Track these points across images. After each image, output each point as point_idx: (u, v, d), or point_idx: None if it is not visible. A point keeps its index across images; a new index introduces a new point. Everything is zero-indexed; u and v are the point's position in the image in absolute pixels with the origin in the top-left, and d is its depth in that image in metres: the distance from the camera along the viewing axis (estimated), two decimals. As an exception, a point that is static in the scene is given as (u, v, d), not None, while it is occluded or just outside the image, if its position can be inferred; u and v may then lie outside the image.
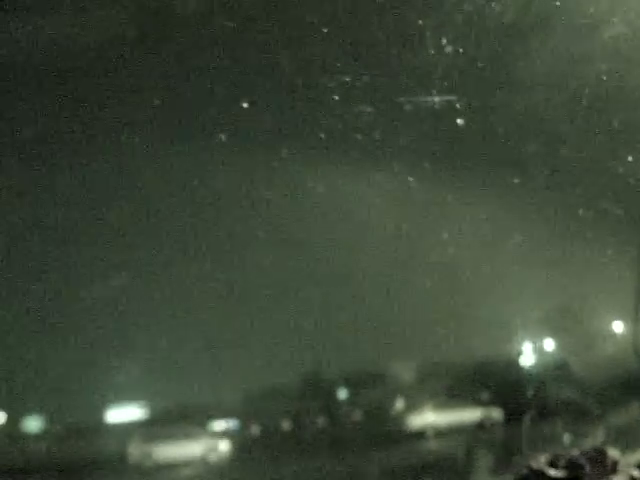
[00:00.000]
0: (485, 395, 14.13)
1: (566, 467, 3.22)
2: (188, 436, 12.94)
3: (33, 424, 13.55)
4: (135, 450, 12.06)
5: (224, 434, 14.46)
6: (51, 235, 10.30)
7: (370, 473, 10.10)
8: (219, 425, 15.78)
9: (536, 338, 12.67)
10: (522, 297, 11.01)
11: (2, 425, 13.61)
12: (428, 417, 14.31)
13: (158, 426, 13.21)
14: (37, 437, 13.23)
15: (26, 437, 13.15)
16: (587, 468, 3.22)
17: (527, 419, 5.27)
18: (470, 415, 13.76)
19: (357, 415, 14.81)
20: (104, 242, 10.52)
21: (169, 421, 13.34)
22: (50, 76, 7.52)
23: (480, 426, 12.32)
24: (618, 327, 10.90)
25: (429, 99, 7.43)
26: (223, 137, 7.46)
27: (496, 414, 12.39)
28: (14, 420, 13.20)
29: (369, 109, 7.62)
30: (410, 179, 8.71)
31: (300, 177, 9.32)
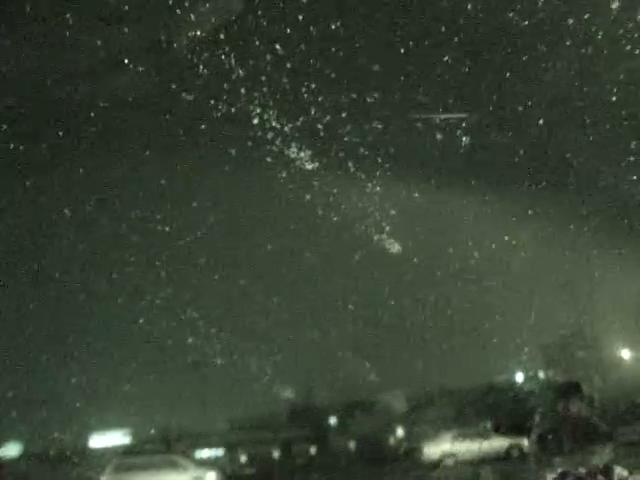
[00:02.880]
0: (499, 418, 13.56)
1: (574, 485, 3.04)
2: (174, 465, 12.30)
3: (12, 449, 12.84)
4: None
5: (211, 463, 13.85)
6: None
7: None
8: (206, 454, 15.12)
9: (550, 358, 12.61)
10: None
11: None
12: (446, 446, 13.82)
13: (141, 454, 12.63)
14: (16, 462, 12.59)
15: (5, 462, 12.53)
16: (593, 487, 3.04)
17: (534, 438, 5.17)
18: (496, 444, 13.27)
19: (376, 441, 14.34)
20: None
21: (154, 450, 12.76)
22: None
23: (507, 455, 11.88)
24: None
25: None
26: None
27: (524, 443, 11.88)
28: None
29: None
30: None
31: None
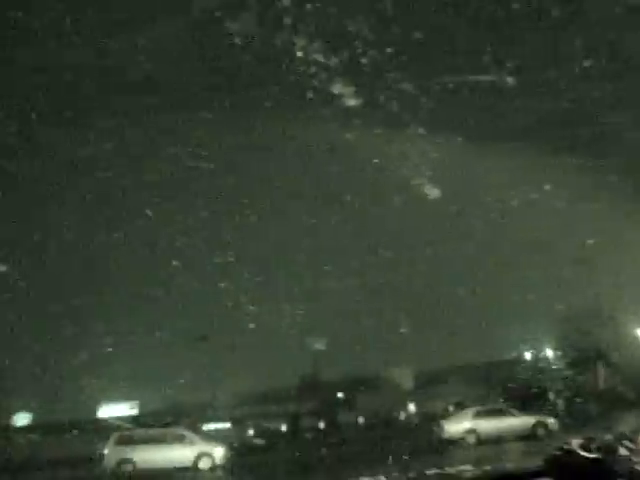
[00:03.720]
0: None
1: (599, 450, 2.86)
2: (180, 439, 11.94)
3: (22, 419, 12.66)
4: (113, 453, 11.11)
5: (219, 436, 13.48)
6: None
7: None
8: (214, 427, 14.76)
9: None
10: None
11: None
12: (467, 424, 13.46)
13: (148, 426, 12.32)
14: (25, 432, 12.37)
15: (16, 432, 12.33)
16: (619, 451, 2.86)
17: (562, 404, 5.00)
18: (520, 422, 12.96)
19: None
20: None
21: (161, 422, 12.44)
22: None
23: (533, 433, 11.56)
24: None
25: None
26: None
27: (551, 422, 11.62)
28: (4, 416, 12.15)
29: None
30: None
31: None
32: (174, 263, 11.23)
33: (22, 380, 12.03)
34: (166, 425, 13.08)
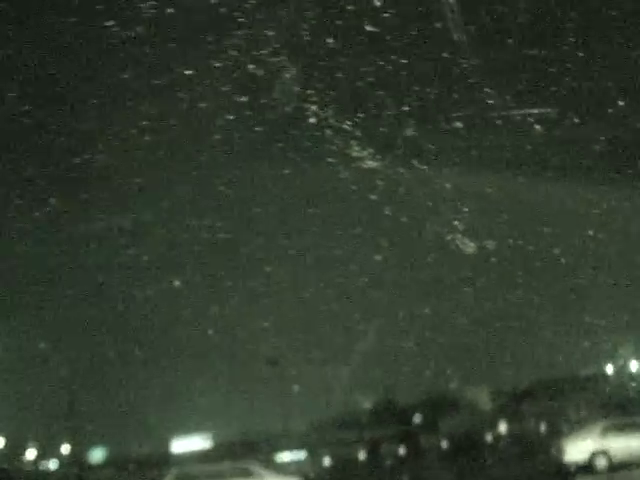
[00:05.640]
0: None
1: None
2: (246, 474, 11.52)
3: (97, 455, 12.75)
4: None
5: (293, 468, 13.13)
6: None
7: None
8: (287, 457, 14.47)
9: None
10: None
11: (68, 455, 12.87)
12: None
13: (218, 459, 12.06)
14: (100, 468, 12.45)
15: (90, 468, 12.44)
16: None
17: None
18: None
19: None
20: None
21: (232, 454, 12.26)
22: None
23: None
24: None
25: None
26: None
27: None
28: (80, 451, 12.39)
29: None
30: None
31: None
32: (241, 292, 11.33)
33: (97, 415, 12.31)
34: (239, 457, 12.68)
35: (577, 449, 10.20)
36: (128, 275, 11.06)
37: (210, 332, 11.93)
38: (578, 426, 11.34)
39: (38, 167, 8.39)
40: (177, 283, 10.71)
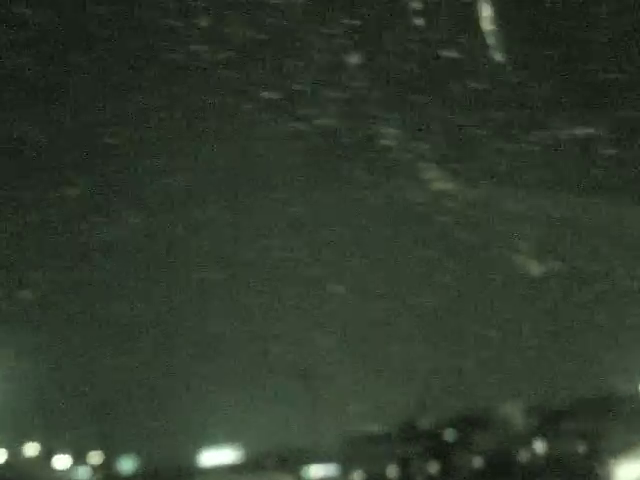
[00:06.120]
0: None
1: None
2: None
3: (127, 464, 12.81)
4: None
5: None
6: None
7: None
8: (317, 472, 14.47)
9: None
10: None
11: (99, 465, 12.92)
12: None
13: (250, 471, 12.10)
14: (130, 478, 12.42)
15: (120, 477, 12.41)
16: None
17: None
18: None
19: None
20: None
21: (263, 466, 12.28)
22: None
23: None
24: None
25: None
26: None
27: None
28: (108, 462, 12.42)
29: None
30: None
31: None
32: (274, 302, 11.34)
33: (127, 424, 12.31)
34: (265, 471, 12.68)
35: (630, 473, 9.83)
36: (166, 284, 11.12)
37: (244, 344, 11.96)
38: (627, 448, 10.60)
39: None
40: (214, 295, 10.75)
